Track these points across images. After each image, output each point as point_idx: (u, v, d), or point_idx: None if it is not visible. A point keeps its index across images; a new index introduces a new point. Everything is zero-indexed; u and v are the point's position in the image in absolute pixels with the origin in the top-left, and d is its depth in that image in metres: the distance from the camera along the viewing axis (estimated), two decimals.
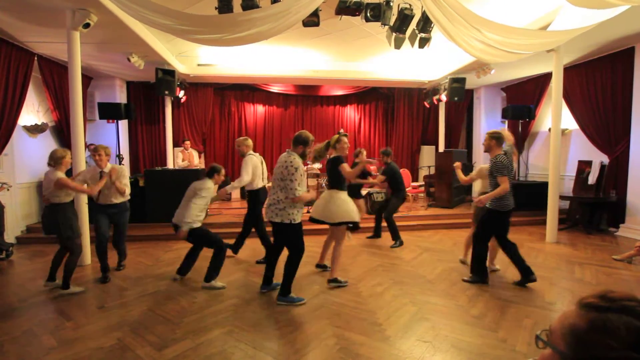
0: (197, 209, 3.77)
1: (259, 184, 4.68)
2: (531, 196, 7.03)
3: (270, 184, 3.71)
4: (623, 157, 6.21)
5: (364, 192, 6.56)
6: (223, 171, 4.04)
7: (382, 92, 9.99)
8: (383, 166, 5.75)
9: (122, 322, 3.06)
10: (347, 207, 3.86)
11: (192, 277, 4.15)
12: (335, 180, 3.99)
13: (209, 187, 3.88)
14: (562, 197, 6.48)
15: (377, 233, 6.05)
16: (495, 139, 3.75)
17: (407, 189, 8.07)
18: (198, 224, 3.82)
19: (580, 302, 0.67)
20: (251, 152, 4.69)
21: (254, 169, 4.55)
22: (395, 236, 5.57)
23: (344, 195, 3.93)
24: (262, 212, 4.74)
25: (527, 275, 3.81)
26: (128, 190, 4.26)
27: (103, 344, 2.70)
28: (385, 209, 5.73)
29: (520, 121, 8.04)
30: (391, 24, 4.73)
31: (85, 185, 4.00)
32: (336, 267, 3.91)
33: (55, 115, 6.74)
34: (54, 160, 3.65)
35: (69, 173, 3.87)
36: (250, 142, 4.75)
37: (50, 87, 6.46)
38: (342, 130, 4.30)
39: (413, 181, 9.05)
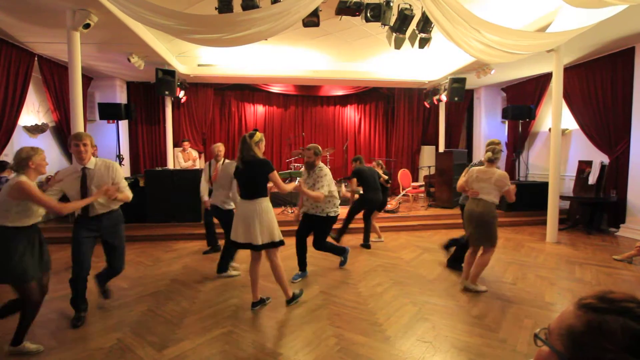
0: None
1: None
2: (531, 196, 7.04)
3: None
4: (623, 157, 6.21)
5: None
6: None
7: (382, 93, 9.99)
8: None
9: (122, 323, 3.06)
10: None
11: (193, 277, 4.17)
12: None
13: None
14: (562, 197, 6.47)
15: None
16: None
17: (407, 189, 8.10)
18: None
19: (579, 302, 0.67)
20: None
21: None
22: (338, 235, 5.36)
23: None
24: None
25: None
26: (130, 194, 3.08)
27: (103, 345, 2.70)
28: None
29: (521, 121, 8.03)
30: (391, 24, 4.73)
31: (56, 198, 2.79)
32: (286, 285, 3.36)
33: (56, 115, 6.76)
34: (18, 163, 2.51)
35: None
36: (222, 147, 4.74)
37: (50, 88, 6.47)
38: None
39: (413, 181, 9.05)
